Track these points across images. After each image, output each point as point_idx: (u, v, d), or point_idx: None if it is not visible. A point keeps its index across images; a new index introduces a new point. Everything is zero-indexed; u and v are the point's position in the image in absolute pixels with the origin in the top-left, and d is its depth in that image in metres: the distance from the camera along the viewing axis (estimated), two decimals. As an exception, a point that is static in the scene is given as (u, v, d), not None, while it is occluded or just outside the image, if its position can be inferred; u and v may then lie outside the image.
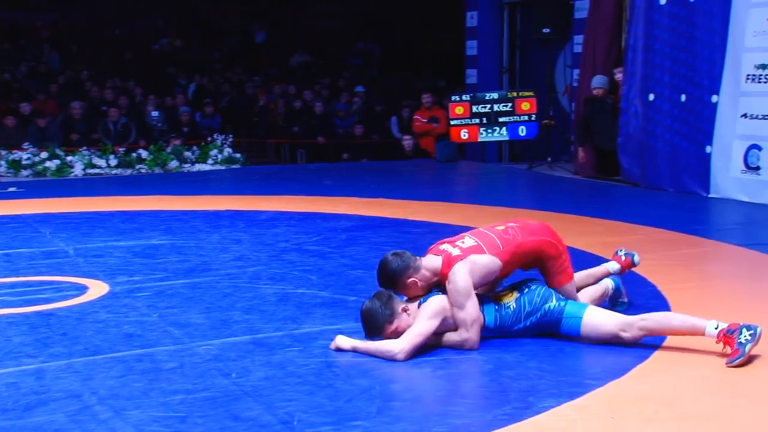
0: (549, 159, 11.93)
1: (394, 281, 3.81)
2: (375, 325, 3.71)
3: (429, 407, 3.06)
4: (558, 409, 3.03)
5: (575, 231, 6.77)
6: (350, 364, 3.57)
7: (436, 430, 2.84)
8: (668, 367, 3.43)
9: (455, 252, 3.79)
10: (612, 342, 3.63)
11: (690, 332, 3.54)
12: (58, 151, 12.10)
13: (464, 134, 12.58)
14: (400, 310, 3.74)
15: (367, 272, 4.97)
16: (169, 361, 3.61)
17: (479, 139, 12.65)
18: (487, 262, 3.78)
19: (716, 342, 3.45)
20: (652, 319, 3.63)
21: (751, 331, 3.41)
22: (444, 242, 3.93)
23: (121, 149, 12.43)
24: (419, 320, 3.67)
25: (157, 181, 11.38)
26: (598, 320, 3.70)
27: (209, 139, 13.03)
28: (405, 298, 3.86)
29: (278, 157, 14.85)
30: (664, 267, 5.33)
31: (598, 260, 5.58)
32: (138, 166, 12.24)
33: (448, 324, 3.73)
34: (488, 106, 12.47)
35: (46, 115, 13.12)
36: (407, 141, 13.70)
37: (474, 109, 12.50)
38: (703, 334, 3.50)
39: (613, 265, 4.43)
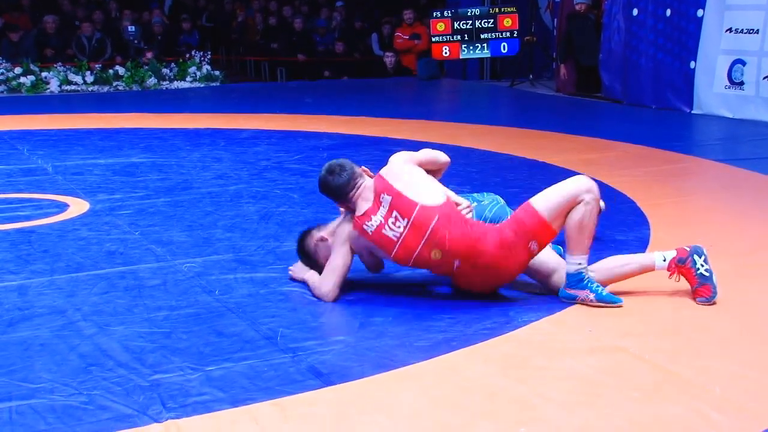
0: (531, 76, 11.86)
1: (332, 197, 3.45)
2: (309, 265, 3.53)
3: (411, 322, 3.10)
4: (537, 324, 3.08)
5: (555, 148, 6.79)
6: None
7: (418, 344, 2.89)
8: (644, 284, 3.48)
9: (376, 221, 3.25)
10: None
11: (641, 271, 3.32)
12: (33, 67, 11.88)
13: (446, 51, 12.44)
14: (314, 243, 3.49)
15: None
16: (153, 278, 3.62)
17: (461, 56, 12.52)
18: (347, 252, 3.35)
19: (669, 276, 3.25)
20: (600, 269, 3.31)
21: (703, 257, 3.23)
22: (391, 196, 3.25)
23: (97, 65, 12.22)
24: (333, 253, 3.39)
25: (135, 98, 11.23)
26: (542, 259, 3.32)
27: (187, 56, 12.81)
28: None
29: (258, 75, 14.65)
30: (642, 183, 5.37)
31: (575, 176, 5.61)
32: (115, 83, 12.06)
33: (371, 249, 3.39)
34: (470, 22, 12.30)
35: (18, 29, 12.81)
36: (389, 58, 13.55)
37: (455, 25, 12.33)
38: (653, 269, 3.29)
39: None
